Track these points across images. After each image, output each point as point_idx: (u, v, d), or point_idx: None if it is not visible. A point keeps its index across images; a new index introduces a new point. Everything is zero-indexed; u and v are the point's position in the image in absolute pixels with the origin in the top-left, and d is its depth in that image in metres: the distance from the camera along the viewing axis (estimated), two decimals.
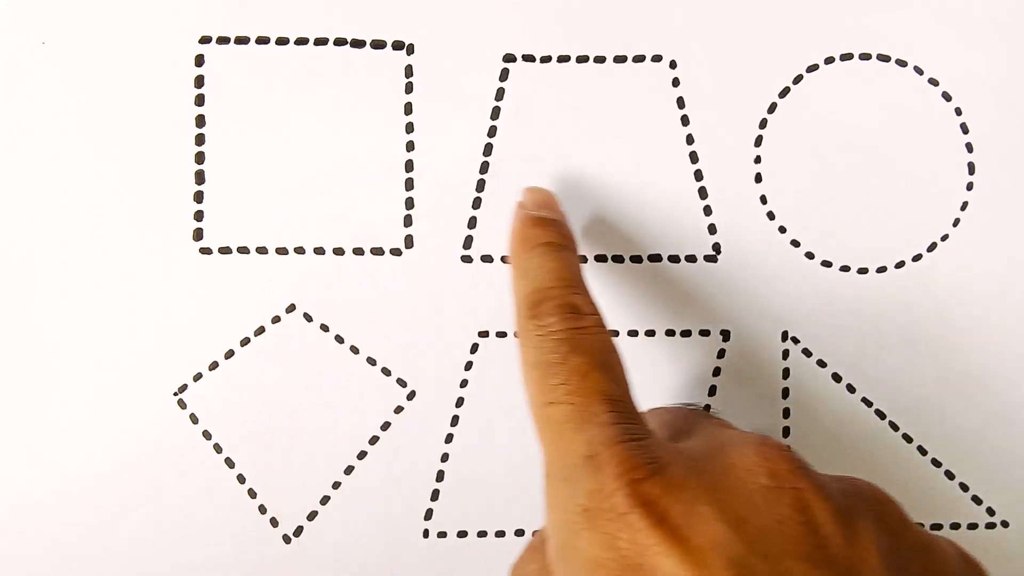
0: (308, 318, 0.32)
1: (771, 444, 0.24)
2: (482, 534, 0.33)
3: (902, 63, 0.32)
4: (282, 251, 0.32)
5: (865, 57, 0.32)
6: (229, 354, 0.32)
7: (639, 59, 0.32)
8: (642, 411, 0.26)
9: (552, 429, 0.24)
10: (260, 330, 0.32)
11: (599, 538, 0.22)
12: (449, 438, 0.33)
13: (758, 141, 0.32)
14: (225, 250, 0.32)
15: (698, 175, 0.32)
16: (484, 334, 0.32)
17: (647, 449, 0.23)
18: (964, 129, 0.32)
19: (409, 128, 0.32)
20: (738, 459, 0.23)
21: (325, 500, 0.33)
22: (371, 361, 0.32)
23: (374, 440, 0.33)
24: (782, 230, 0.32)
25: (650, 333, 0.33)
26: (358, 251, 0.32)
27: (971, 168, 0.32)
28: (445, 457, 0.33)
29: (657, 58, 0.32)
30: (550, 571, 0.24)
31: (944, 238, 0.33)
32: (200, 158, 0.32)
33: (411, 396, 0.33)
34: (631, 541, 0.21)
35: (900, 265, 0.33)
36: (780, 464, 0.23)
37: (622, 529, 0.22)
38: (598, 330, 0.26)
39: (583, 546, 0.22)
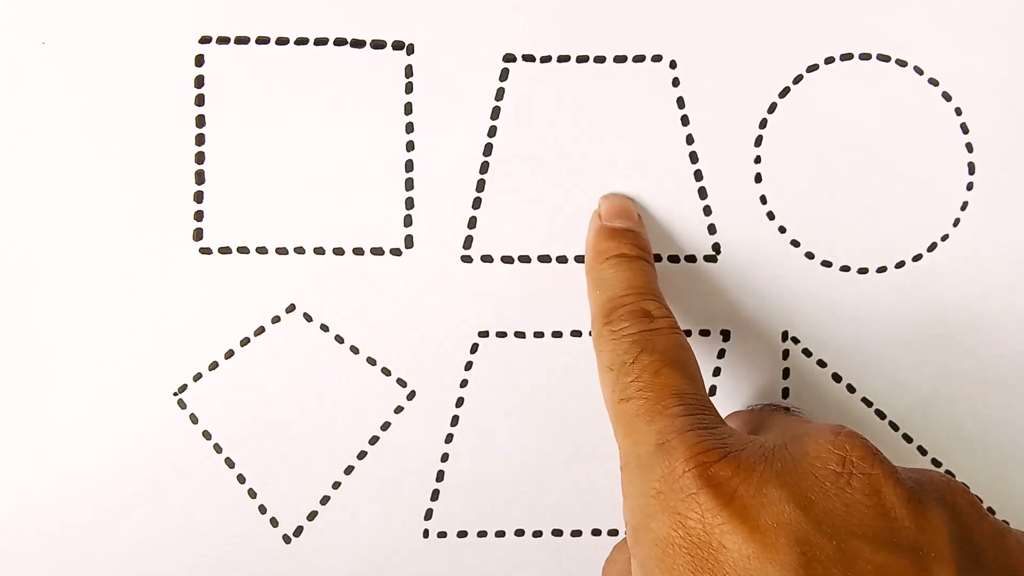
0: (308, 318, 0.32)
1: (846, 433, 0.24)
2: (482, 534, 0.33)
3: (902, 63, 0.32)
4: (282, 251, 0.32)
5: (865, 57, 0.32)
6: (229, 354, 0.32)
7: (639, 59, 0.32)
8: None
9: (626, 423, 0.26)
10: (260, 330, 0.32)
11: (670, 518, 0.23)
12: (449, 438, 0.33)
13: (758, 141, 0.32)
14: (225, 250, 0.32)
15: (698, 175, 0.32)
16: (484, 334, 0.32)
17: (716, 435, 0.24)
18: (964, 129, 0.32)
19: (409, 128, 0.32)
20: (812, 447, 0.24)
21: (325, 500, 0.33)
22: (371, 361, 0.32)
23: (374, 440, 0.33)
24: (782, 230, 0.32)
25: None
26: (358, 251, 0.32)
27: (971, 168, 0.32)
28: (445, 457, 0.33)
29: (657, 58, 0.32)
30: (630, 559, 0.25)
31: (944, 238, 0.33)
32: (200, 158, 0.32)
33: (411, 396, 0.33)
34: (700, 520, 0.22)
35: (900, 265, 0.33)
36: (853, 451, 0.23)
37: (692, 508, 0.22)
38: (670, 331, 0.27)
39: (656, 527, 0.23)
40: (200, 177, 0.32)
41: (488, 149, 0.32)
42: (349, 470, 0.33)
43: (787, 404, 0.33)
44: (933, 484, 0.24)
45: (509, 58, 0.32)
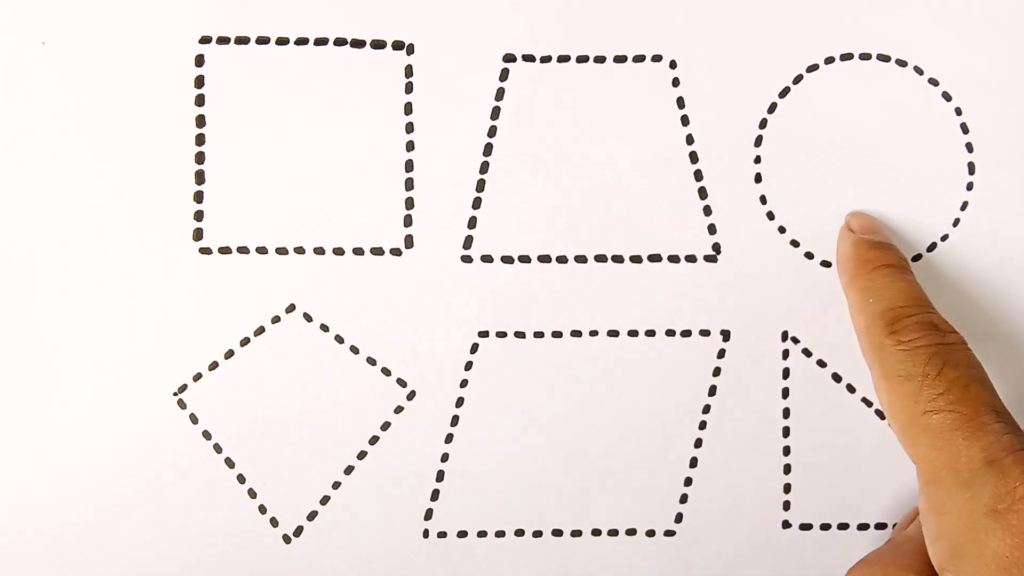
0: (308, 318, 0.32)
1: None
2: (482, 534, 0.33)
3: (902, 63, 0.32)
4: (282, 251, 0.32)
5: (865, 57, 0.32)
6: (229, 354, 0.32)
7: (639, 59, 0.32)
8: None
9: (938, 436, 0.25)
10: (260, 330, 0.32)
11: (1012, 537, 0.23)
12: (449, 438, 0.33)
13: (758, 141, 0.32)
14: (225, 250, 0.32)
15: (698, 175, 0.32)
16: (484, 334, 0.32)
17: None
18: (964, 129, 0.32)
19: (409, 128, 0.32)
20: None
21: (325, 500, 0.33)
22: (371, 361, 0.32)
23: (374, 440, 0.33)
24: (782, 230, 0.32)
25: (650, 333, 0.33)
26: (358, 251, 0.32)
27: (971, 168, 0.32)
28: (445, 457, 0.33)
29: (657, 58, 0.32)
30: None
31: (944, 238, 0.33)
32: (200, 158, 0.32)
33: (411, 396, 0.33)
34: None
35: None
36: None
37: None
38: (965, 347, 0.27)
39: (994, 545, 0.23)
40: (200, 177, 0.32)
41: (488, 149, 0.32)
42: (349, 470, 0.33)
43: None
44: None
45: (509, 58, 0.32)
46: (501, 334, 0.32)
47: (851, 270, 0.30)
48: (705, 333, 0.33)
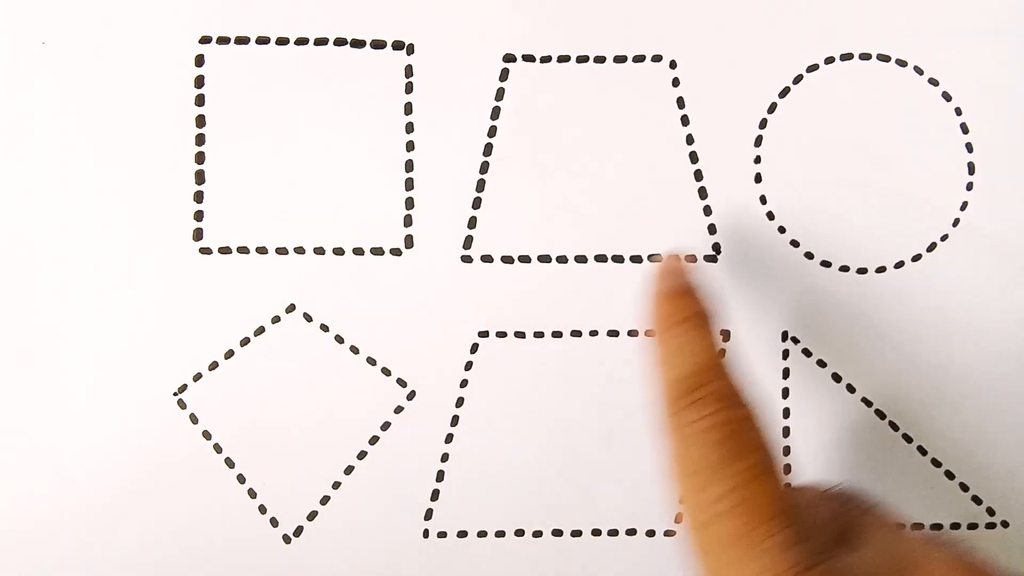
0: (308, 318, 0.32)
1: (964, 564, 0.22)
2: (482, 534, 0.33)
3: (902, 63, 0.32)
4: (282, 251, 0.32)
5: (865, 57, 0.32)
6: (229, 354, 0.32)
7: (639, 59, 0.32)
8: (806, 485, 0.24)
9: (717, 553, 0.22)
10: (260, 330, 0.32)
11: None
12: (449, 438, 0.33)
13: (758, 141, 0.32)
14: (225, 250, 0.32)
15: (698, 175, 0.32)
16: (484, 334, 0.32)
17: (824, 567, 0.21)
18: (964, 129, 0.32)
19: (409, 128, 0.32)
20: None
21: (325, 500, 0.33)
22: (371, 361, 0.32)
23: (374, 440, 0.33)
24: (782, 230, 0.32)
25: (650, 333, 0.32)
26: (358, 251, 0.32)
27: (971, 168, 0.32)
28: (445, 457, 0.33)
29: (657, 58, 0.32)
30: None
31: (944, 238, 0.33)
32: (200, 158, 0.32)
33: (411, 396, 0.33)
34: None
35: (900, 265, 0.33)
36: None
37: None
38: (756, 417, 0.24)
39: None
40: (200, 177, 0.32)
41: (488, 149, 0.32)
42: (349, 470, 0.33)
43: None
44: None
45: (509, 58, 0.32)
46: (501, 334, 0.32)
47: (652, 327, 0.27)
48: None
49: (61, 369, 0.32)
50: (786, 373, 0.33)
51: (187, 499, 0.32)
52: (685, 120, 0.32)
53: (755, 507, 0.22)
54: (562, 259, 0.32)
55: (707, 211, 0.32)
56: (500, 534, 0.33)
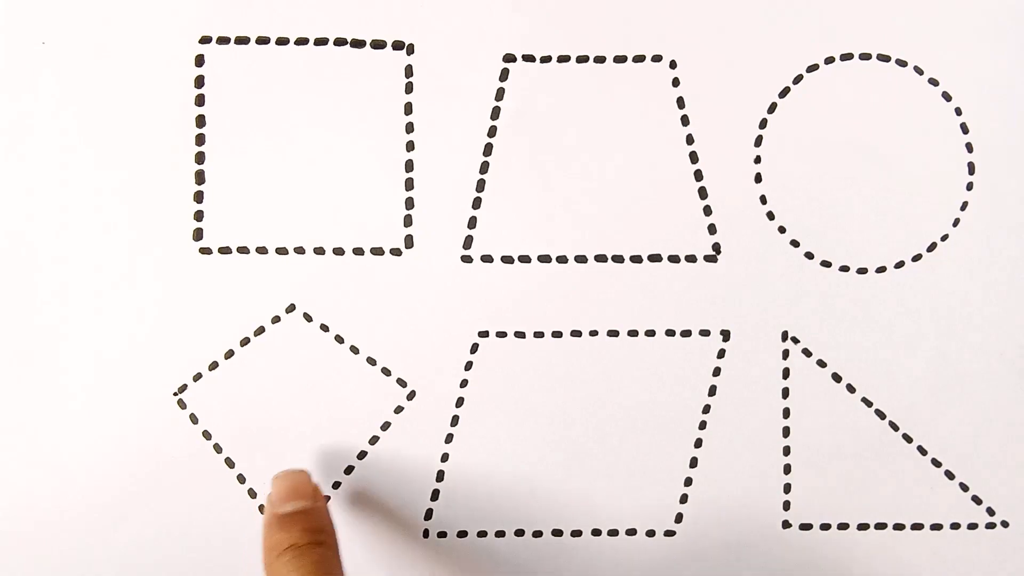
0: (308, 318, 0.32)
1: None
2: (482, 534, 0.33)
3: (902, 63, 0.32)
4: (282, 251, 0.32)
5: (865, 57, 0.32)
6: (229, 354, 0.32)
7: (639, 59, 0.32)
8: None
9: None
10: (260, 330, 0.32)
11: None
12: (449, 438, 0.33)
13: (758, 141, 0.32)
14: (225, 250, 0.32)
15: (698, 175, 0.32)
16: (484, 334, 0.32)
17: None
18: (964, 129, 0.32)
19: (409, 128, 0.32)
20: None
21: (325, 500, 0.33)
22: (371, 361, 0.32)
23: (374, 440, 0.33)
24: (782, 230, 0.32)
25: (650, 333, 0.33)
26: (358, 251, 0.32)
27: (971, 168, 0.32)
28: (445, 457, 0.33)
29: (657, 58, 0.32)
30: None
31: (944, 238, 0.33)
32: (200, 158, 0.32)
33: (411, 396, 0.33)
34: None
35: (900, 265, 0.33)
36: None
37: None
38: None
39: None
40: (200, 177, 0.32)
41: (488, 149, 0.32)
42: (349, 470, 0.33)
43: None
44: None
45: (509, 58, 0.32)
46: (501, 334, 0.32)
47: (264, 559, 0.29)
48: (705, 333, 0.33)
49: (61, 369, 0.32)
50: (786, 373, 0.33)
51: (187, 499, 0.32)
52: (685, 120, 0.32)
53: None
54: (562, 259, 0.32)
55: (707, 211, 0.32)
56: (500, 534, 0.33)
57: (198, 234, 0.32)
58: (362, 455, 0.33)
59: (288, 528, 0.28)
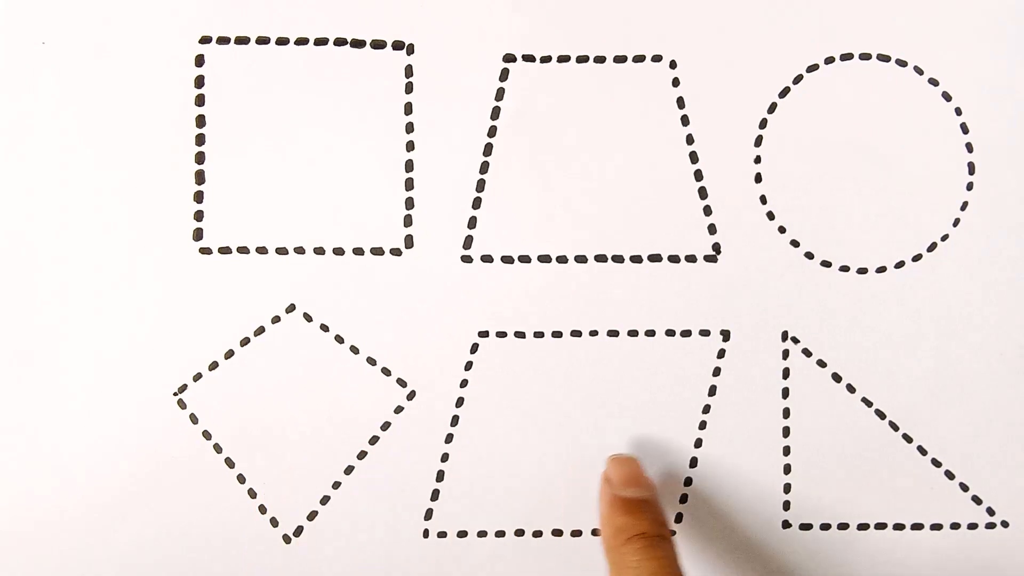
0: (308, 318, 0.32)
1: None
2: (482, 534, 0.33)
3: (902, 63, 0.32)
4: (282, 251, 0.32)
5: (865, 57, 0.32)
6: (229, 354, 0.32)
7: (639, 59, 0.32)
8: None
9: None
10: (260, 330, 0.32)
11: None
12: (449, 438, 0.33)
13: (758, 141, 0.32)
14: (225, 250, 0.32)
15: (698, 175, 0.32)
16: (484, 334, 0.32)
17: None
18: (964, 129, 0.32)
19: (409, 128, 0.32)
20: None
21: (325, 500, 0.33)
22: (371, 361, 0.32)
23: (374, 440, 0.33)
24: (782, 230, 0.32)
25: (650, 333, 0.33)
26: (358, 251, 0.32)
27: (971, 168, 0.32)
28: (445, 457, 0.33)
29: (657, 58, 0.32)
30: None
31: (944, 238, 0.33)
32: (200, 158, 0.32)
33: (411, 396, 0.33)
34: None
35: (900, 265, 0.33)
36: None
37: None
38: None
39: None
40: (200, 177, 0.32)
41: (488, 149, 0.32)
42: (349, 470, 0.33)
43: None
44: None
45: (509, 58, 0.32)
46: (501, 334, 0.32)
47: (606, 538, 0.29)
48: (705, 333, 0.33)
49: (61, 369, 0.32)
50: (786, 373, 0.33)
51: (187, 499, 0.32)
52: (685, 120, 0.32)
53: None
54: (562, 259, 0.32)
55: (707, 211, 0.32)
56: (500, 534, 0.33)
57: (198, 234, 0.32)
58: (362, 455, 0.33)
59: (635, 514, 0.28)
